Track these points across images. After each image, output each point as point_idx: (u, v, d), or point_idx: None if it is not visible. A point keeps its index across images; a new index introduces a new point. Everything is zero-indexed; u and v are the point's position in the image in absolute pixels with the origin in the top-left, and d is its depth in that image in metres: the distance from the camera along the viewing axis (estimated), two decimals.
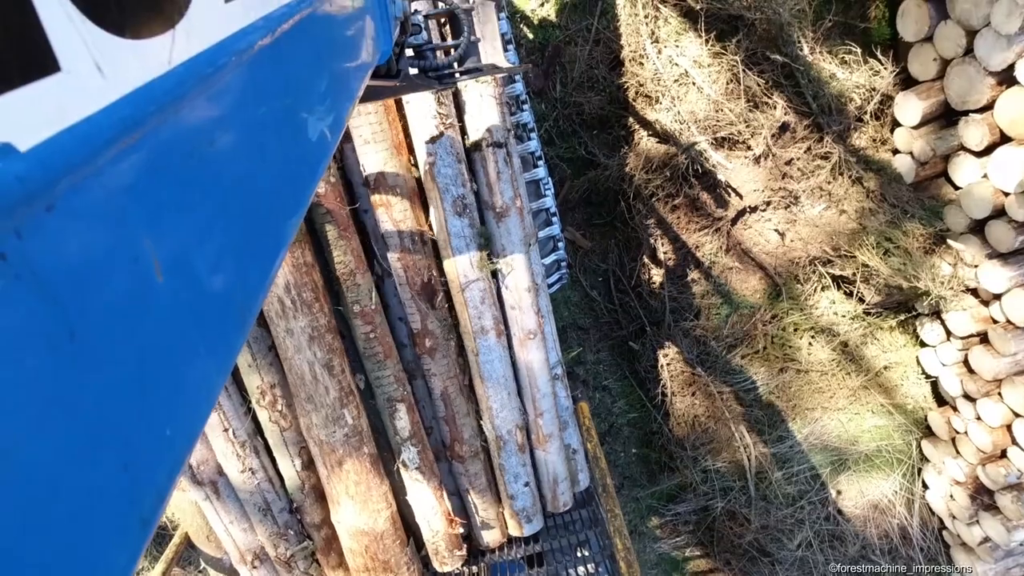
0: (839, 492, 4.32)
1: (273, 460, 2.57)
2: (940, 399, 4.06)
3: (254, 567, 2.76)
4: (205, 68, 0.43)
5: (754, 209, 3.64)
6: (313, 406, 2.39)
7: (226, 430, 2.37)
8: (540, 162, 2.93)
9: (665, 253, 3.84)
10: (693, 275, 3.87)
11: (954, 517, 4.13)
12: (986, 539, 4.00)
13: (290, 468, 2.57)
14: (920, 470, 4.25)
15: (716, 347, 3.98)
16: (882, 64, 3.28)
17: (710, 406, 4.22)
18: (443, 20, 1.80)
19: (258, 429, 2.51)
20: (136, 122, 0.35)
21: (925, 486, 4.27)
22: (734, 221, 3.69)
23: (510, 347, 2.65)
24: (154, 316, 0.37)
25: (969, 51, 2.83)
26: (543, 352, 2.72)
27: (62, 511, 0.29)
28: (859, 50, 3.26)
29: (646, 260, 3.89)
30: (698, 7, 3.24)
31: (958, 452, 3.91)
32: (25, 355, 0.26)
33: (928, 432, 4.16)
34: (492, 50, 1.76)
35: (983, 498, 3.85)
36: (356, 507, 2.59)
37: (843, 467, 4.30)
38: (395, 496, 2.75)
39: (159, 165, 0.38)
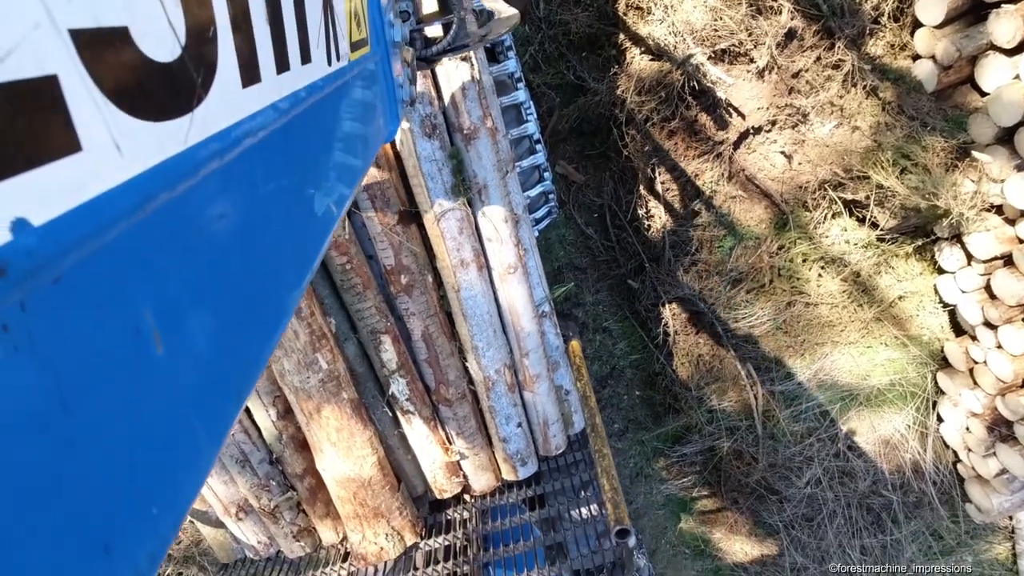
0: (850, 428, 4.18)
1: (248, 411, 2.47)
2: (958, 329, 3.84)
3: (239, 519, 2.70)
4: (219, 149, 0.43)
5: (758, 130, 3.36)
6: (283, 351, 2.26)
7: None
8: (520, 84, 2.67)
9: (663, 184, 3.59)
10: (693, 206, 3.63)
11: (969, 450, 3.98)
12: (1003, 471, 3.86)
13: (266, 419, 2.47)
14: (935, 403, 4.08)
15: (719, 282, 3.77)
16: None
17: (714, 344, 4.05)
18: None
19: None
20: (148, 198, 0.35)
21: (940, 419, 4.11)
22: (736, 145, 3.42)
23: (491, 282, 2.48)
24: (150, 388, 0.36)
25: None
26: (526, 288, 2.54)
27: None
28: None
29: (643, 192, 3.65)
30: None
31: (976, 383, 3.73)
32: (14, 428, 0.25)
33: (944, 364, 3.97)
34: None
35: (1001, 429, 3.69)
36: (340, 454, 2.48)
37: (854, 402, 4.14)
38: (382, 442, 2.66)
39: (168, 240, 0.38)
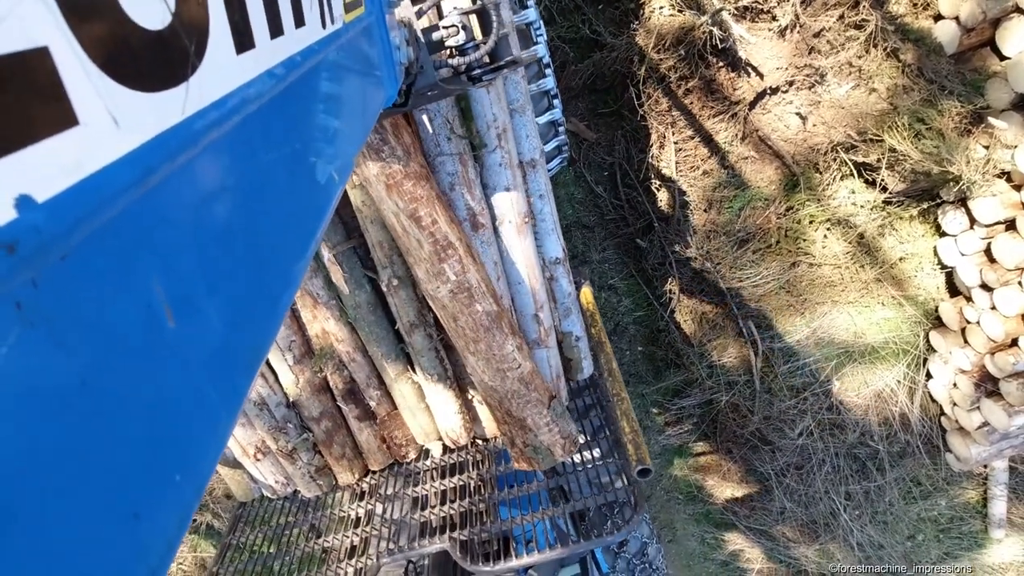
0: (843, 383, 4.35)
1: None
2: (953, 290, 3.96)
3: (257, 459, 2.79)
4: (217, 118, 0.43)
5: (775, 91, 3.33)
6: (413, 259, 2.19)
7: None
8: (540, 37, 2.61)
9: (676, 143, 3.58)
10: (706, 166, 3.63)
11: (955, 404, 4.18)
12: (984, 424, 4.07)
13: (282, 364, 2.52)
14: (926, 360, 4.25)
15: (727, 242, 3.82)
16: None
17: (718, 303, 4.14)
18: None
19: None
20: (149, 171, 0.35)
21: (929, 376, 4.30)
22: (752, 105, 3.39)
23: (496, 234, 2.48)
24: (165, 362, 0.36)
25: None
26: (538, 238, 2.56)
27: (75, 563, 0.28)
28: None
29: (656, 150, 3.64)
30: None
31: (967, 342, 3.88)
32: (37, 403, 0.26)
33: (937, 323, 4.11)
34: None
35: (987, 385, 3.87)
36: (480, 364, 2.37)
37: (849, 359, 4.30)
38: (529, 357, 2.51)
39: (172, 213, 0.38)
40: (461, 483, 2.75)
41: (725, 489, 5.27)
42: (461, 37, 1.59)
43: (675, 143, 3.58)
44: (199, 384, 0.40)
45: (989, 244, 3.44)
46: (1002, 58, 2.92)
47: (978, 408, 4.01)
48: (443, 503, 2.69)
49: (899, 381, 4.29)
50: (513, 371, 2.38)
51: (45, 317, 0.26)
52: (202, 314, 0.41)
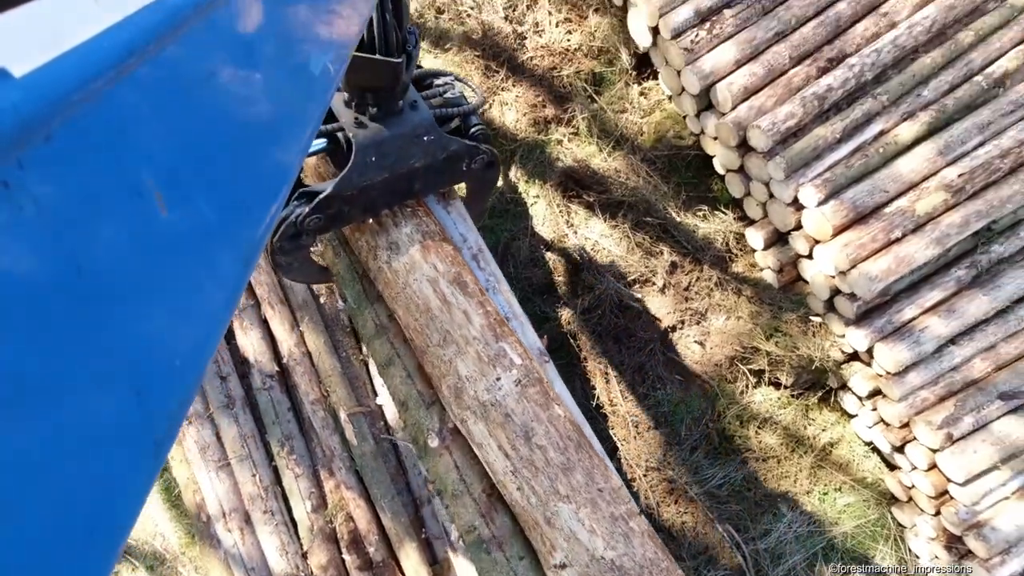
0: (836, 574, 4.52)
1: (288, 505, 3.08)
2: (889, 464, 4.59)
3: None
4: None
5: (674, 328, 4.67)
6: (455, 350, 1.52)
7: (254, 475, 3.00)
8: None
9: (616, 376, 4.73)
10: (641, 390, 4.71)
11: None
12: None
13: (301, 510, 3.07)
14: (902, 539, 4.54)
15: (679, 451, 4.61)
16: (729, 214, 4.68)
17: (695, 511, 4.64)
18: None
19: (277, 479, 3.12)
20: (132, 49, 0.34)
21: (915, 555, 4.52)
22: (662, 341, 4.68)
23: None
24: (159, 251, 0.37)
25: (771, 195, 4.20)
26: None
27: (85, 432, 0.30)
28: (707, 208, 4.68)
29: (602, 386, 4.76)
30: (592, 200, 4.71)
31: (921, 509, 4.33)
32: (33, 285, 0.27)
33: (893, 498, 4.59)
34: None
35: (957, 546, 4.16)
36: (587, 533, 1.33)
37: (832, 550, 4.58)
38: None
39: (159, 94, 0.37)
40: None
41: None
42: (470, 105, 1.85)
43: (615, 376, 4.74)
44: (196, 274, 0.41)
45: (878, 411, 4.29)
46: (806, 282, 4.35)
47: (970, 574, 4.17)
48: None
49: (889, 567, 4.48)
50: (636, 521, 1.41)
51: (32, 199, 0.26)
52: (197, 202, 0.41)
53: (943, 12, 4.29)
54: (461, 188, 2.15)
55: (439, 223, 1.89)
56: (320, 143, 1.70)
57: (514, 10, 5.10)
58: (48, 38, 0.28)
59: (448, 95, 1.82)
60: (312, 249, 1.82)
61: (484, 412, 1.46)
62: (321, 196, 1.55)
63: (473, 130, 1.85)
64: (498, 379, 1.49)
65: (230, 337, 3.07)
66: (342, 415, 3.16)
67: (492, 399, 1.47)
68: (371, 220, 1.78)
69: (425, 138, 1.64)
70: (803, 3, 4.29)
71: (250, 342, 3.06)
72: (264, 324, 3.16)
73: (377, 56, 1.41)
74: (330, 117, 1.64)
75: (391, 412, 3.43)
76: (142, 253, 0.36)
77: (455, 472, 1.57)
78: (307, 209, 1.56)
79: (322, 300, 3.28)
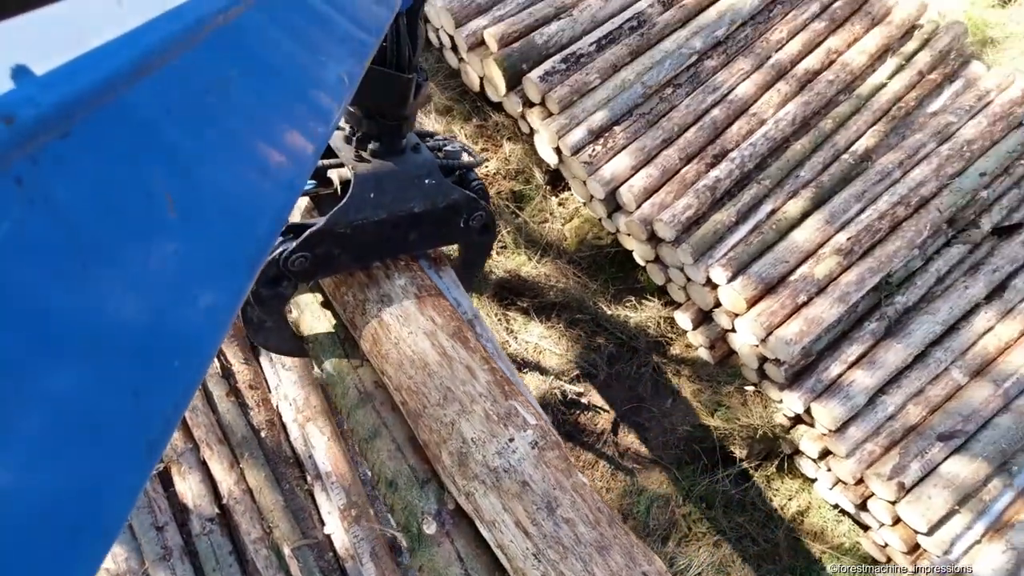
0: None
1: None
2: (860, 523, 4.55)
3: None
4: (224, 4, 0.43)
5: (623, 416, 4.76)
6: (459, 408, 1.30)
7: None
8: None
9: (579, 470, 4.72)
10: (601, 484, 4.69)
11: None
12: None
13: None
14: None
15: (652, 543, 4.50)
16: (656, 301, 4.98)
17: None
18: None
19: None
20: (154, 52, 0.35)
21: None
22: (614, 431, 4.75)
23: None
24: (165, 253, 0.38)
25: (689, 279, 4.54)
26: None
27: (81, 431, 0.30)
28: (635, 298, 4.98)
29: None
30: (527, 305, 4.99)
31: (902, 568, 4.25)
32: (39, 281, 0.27)
33: (873, 560, 4.50)
34: None
35: None
36: None
37: None
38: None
39: (178, 98, 0.38)
40: None
41: None
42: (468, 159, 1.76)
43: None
44: (200, 277, 0.42)
45: (833, 472, 4.34)
46: (736, 354, 4.58)
47: None
48: None
49: None
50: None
51: (44, 195, 0.26)
52: (206, 207, 0.42)
53: (800, 107, 4.98)
54: (453, 252, 2.10)
55: (434, 283, 1.74)
56: (309, 184, 1.60)
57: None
58: (71, 38, 0.29)
59: (448, 148, 1.76)
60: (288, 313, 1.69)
61: (496, 481, 1.18)
62: (312, 230, 1.41)
63: (474, 184, 1.77)
64: (511, 440, 1.23)
65: (168, 484, 3.08)
66: (286, 551, 3.11)
67: (505, 464, 1.20)
68: (360, 272, 1.61)
69: (427, 180, 1.54)
70: (682, 113, 4.94)
71: (188, 487, 3.06)
72: (203, 466, 3.19)
73: (389, 70, 1.37)
74: (328, 153, 1.58)
75: (340, 540, 3.38)
76: (148, 255, 0.37)
77: (458, 565, 1.26)
78: (293, 245, 1.40)
79: (263, 434, 3.35)
